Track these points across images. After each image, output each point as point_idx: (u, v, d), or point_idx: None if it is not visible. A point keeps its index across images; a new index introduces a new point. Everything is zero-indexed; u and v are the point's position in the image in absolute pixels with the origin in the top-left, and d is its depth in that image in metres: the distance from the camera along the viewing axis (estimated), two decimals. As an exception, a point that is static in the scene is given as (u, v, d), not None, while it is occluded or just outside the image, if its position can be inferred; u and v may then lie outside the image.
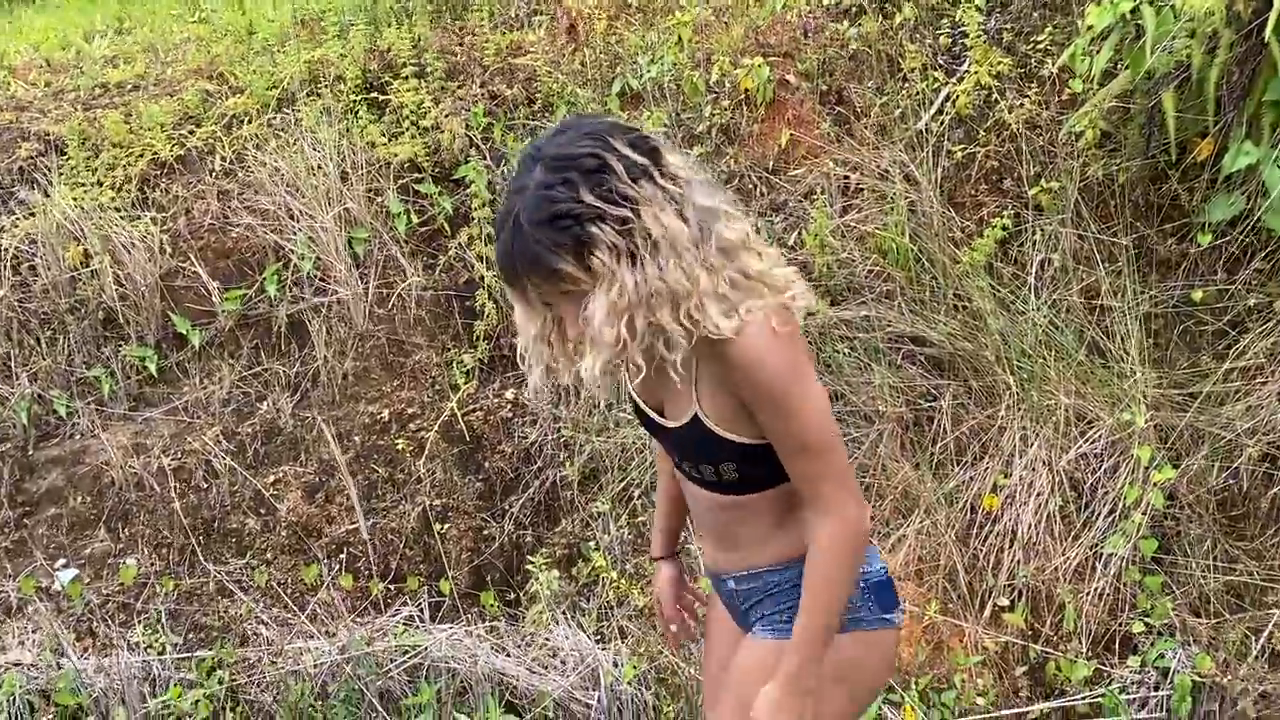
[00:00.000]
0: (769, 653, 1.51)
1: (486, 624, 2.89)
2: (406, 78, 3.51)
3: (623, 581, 2.81)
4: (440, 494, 3.10)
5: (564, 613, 2.85)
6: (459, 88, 3.56)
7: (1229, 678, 2.47)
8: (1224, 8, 2.75)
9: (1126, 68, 3.01)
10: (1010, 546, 2.76)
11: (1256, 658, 2.53)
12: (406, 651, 2.78)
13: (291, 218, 3.34)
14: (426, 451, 3.13)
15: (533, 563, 2.90)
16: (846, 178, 3.26)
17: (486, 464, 3.14)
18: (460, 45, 3.74)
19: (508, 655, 2.77)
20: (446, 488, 3.11)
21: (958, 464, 2.89)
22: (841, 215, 3.19)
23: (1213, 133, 2.92)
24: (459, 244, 3.33)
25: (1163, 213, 3.06)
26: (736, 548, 1.58)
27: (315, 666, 2.78)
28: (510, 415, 3.18)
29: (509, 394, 3.21)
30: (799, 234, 3.18)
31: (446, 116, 3.45)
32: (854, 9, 3.62)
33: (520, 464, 3.13)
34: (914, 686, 2.61)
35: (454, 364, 3.25)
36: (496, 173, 3.38)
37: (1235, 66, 2.87)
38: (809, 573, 1.43)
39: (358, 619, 2.92)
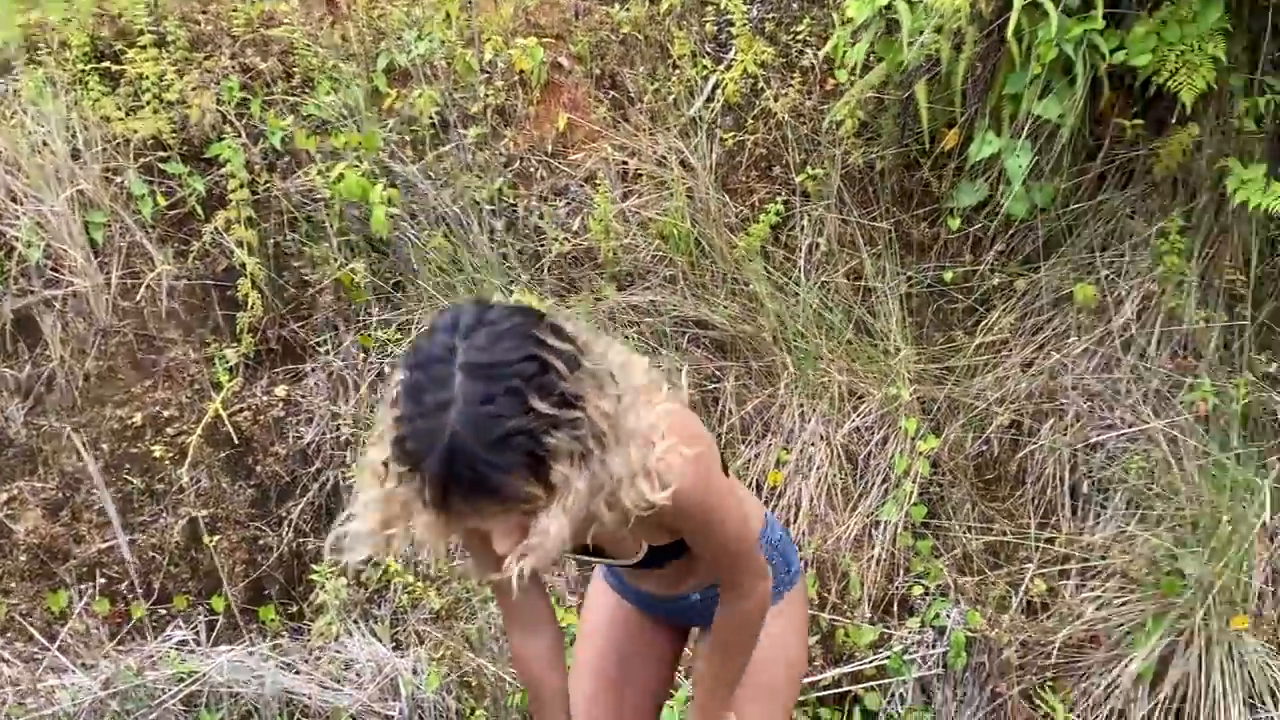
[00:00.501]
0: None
1: (269, 641, 2.70)
2: (144, 47, 3.19)
3: (417, 584, 2.71)
4: (208, 503, 2.86)
5: (355, 622, 2.72)
6: (206, 59, 3.27)
7: (995, 630, 2.70)
8: (969, 6, 2.95)
9: (882, 60, 3.19)
10: (795, 520, 2.87)
11: (1016, 610, 2.78)
12: (182, 679, 2.55)
13: (14, 200, 2.96)
14: (189, 457, 2.88)
15: (317, 571, 2.74)
16: (625, 163, 3.27)
17: (259, 468, 2.93)
18: (204, 13, 3.44)
19: (296, 673, 2.61)
20: (214, 496, 2.87)
21: (743, 442, 2.98)
22: (623, 200, 3.20)
23: (960, 123, 3.15)
24: (215, 229, 3.07)
25: (917, 199, 3.28)
26: (674, 584, 1.64)
27: (75, 704, 2.50)
28: (283, 414, 2.98)
29: (279, 390, 3.00)
30: (582, 219, 3.16)
31: (194, 90, 3.17)
32: (621, -8, 3.63)
33: (297, 466, 2.94)
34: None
35: (215, 360, 3.00)
36: (254, 150, 3.14)
37: (979, 62, 3.10)
38: (729, 639, 1.57)
39: (119, 647, 2.66)
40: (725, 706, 1.61)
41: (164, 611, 2.76)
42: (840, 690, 2.71)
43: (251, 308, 3.01)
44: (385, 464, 1.17)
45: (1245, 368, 3.02)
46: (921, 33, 3.03)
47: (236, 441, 2.93)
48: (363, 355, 3.02)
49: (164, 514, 2.84)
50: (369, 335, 3.03)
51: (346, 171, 3.02)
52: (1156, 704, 2.70)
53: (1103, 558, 2.85)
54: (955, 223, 3.20)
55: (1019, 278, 3.13)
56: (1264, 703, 2.70)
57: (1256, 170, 2.93)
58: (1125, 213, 3.13)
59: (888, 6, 3.04)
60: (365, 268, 3.05)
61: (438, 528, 1.19)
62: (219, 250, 3.09)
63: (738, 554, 1.47)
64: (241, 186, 3.05)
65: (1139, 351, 3.07)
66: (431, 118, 3.24)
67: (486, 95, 3.32)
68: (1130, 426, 2.98)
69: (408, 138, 3.24)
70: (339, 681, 2.58)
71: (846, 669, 2.68)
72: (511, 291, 3.01)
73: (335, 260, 3.04)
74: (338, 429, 2.96)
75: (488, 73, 3.38)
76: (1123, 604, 2.78)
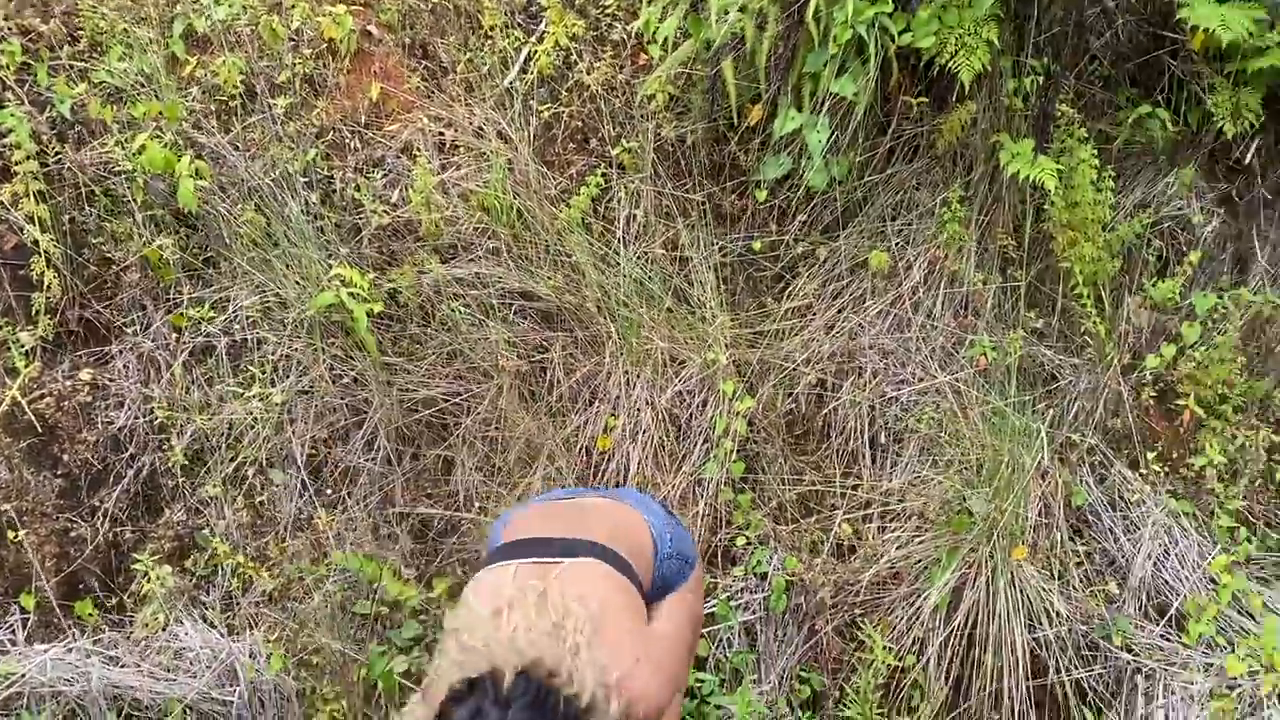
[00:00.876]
0: None
1: (90, 637, 2.59)
2: (-95, 4, 2.93)
3: (249, 565, 2.66)
4: (10, 496, 2.70)
5: (183, 609, 2.64)
6: (-22, 19, 3.03)
7: (810, 573, 2.91)
8: (771, -11, 3.12)
9: (690, 37, 3.32)
10: (625, 481, 3.00)
11: (828, 554, 3.01)
12: (-3, 682, 2.41)
13: None
14: (-14, 449, 2.70)
15: (139, 560, 2.64)
16: (441, 134, 3.27)
17: (66, 457, 2.78)
18: (-28, -32, 3.17)
19: (124, 667, 2.51)
20: (17, 488, 2.72)
21: (573, 410, 3.07)
22: (441, 172, 3.20)
23: (764, 100, 3.32)
24: (2, 203, 2.87)
25: (726, 171, 3.44)
26: None
27: (-125, 719, 2.33)
28: (90, 399, 2.84)
29: (84, 374, 2.85)
30: (401, 191, 3.14)
31: (-33, 53, 2.94)
32: (427, -40, 3.59)
33: (108, 453, 2.81)
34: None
35: (10, 344, 2.82)
36: (41, 119, 2.95)
37: (781, 41, 3.28)
38: None
39: (-81, 655, 2.48)
40: None
41: (-33, 614, 2.60)
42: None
43: (48, 288, 2.84)
44: None
45: (1017, 324, 3.35)
46: (727, 12, 3.18)
47: (39, 430, 2.77)
48: (175, 335, 2.91)
49: (-40, 510, 2.66)
50: (181, 314, 2.92)
51: (148, 143, 2.88)
52: (952, 630, 2.99)
53: (901, 501, 3.12)
54: (762, 194, 3.38)
55: (820, 246, 3.35)
56: (1040, 623, 3.04)
57: (1025, 145, 3.25)
58: (912, 184, 3.40)
59: (696, -14, 3.17)
60: (173, 244, 2.93)
61: None
62: (6, 226, 2.89)
63: None
64: (29, 158, 2.86)
65: (926, 312, 3.35)
66: (237, 86, 3.14)
67: (295, 64, 3.23)
68: (920, 381, 3.26)
69: (213, 107, 3.11)
70: (171, 671, 2.51)
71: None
72: (330, 266, 2.97)
73: (140, 236, 2.91)
74: (151, 412, 2.85)
75: (294, 40, 3.29)
76: (920, 542, 3.06)
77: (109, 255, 2.92)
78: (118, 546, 2.75)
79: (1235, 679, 2.94)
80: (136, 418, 2.83)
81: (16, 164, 2.87)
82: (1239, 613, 3.12)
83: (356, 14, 3.31)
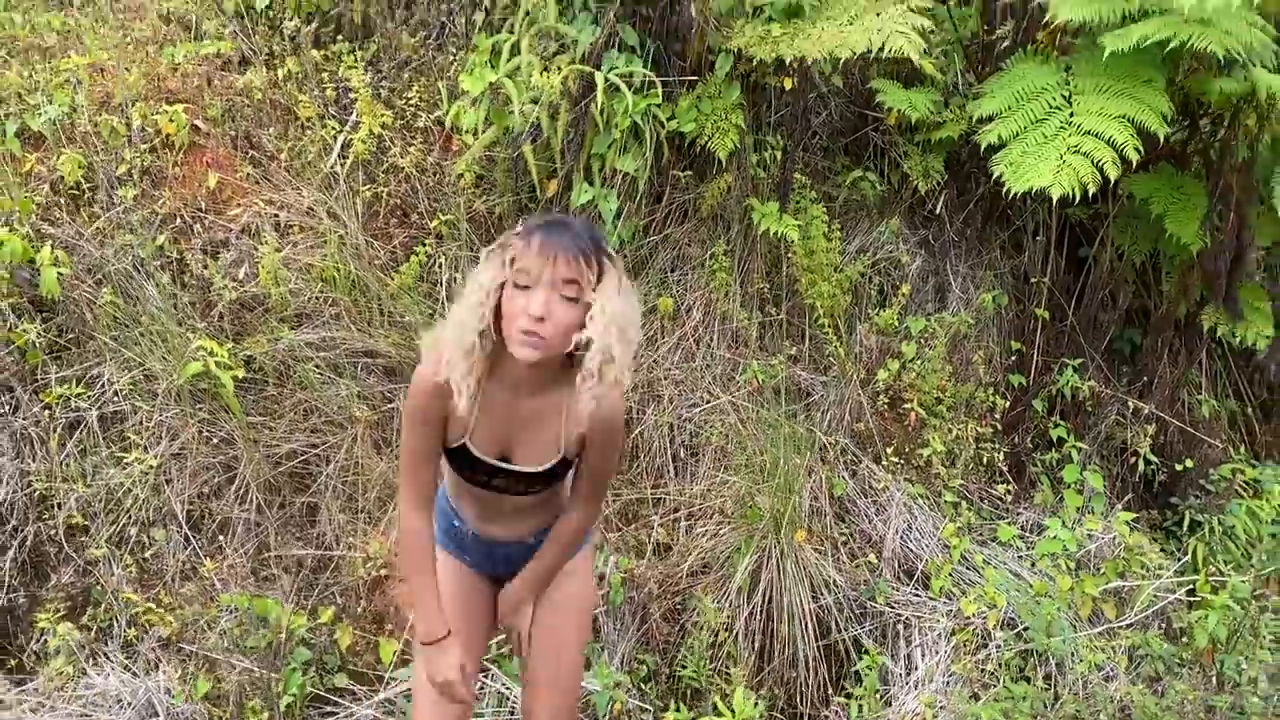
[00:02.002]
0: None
1: (-3, 694, 2.79)
2: None
3: (148, 610, 2.94)
4: (-104, 576, 2.85)
5: (86, 660, 2.88)
6: None
7: (639, 569, 3.51)
8: (560, 85, 3.77)
9: (492, 124, 3.90)
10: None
11: (650, 554, 3.63)
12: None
13: None
14: None
15: (41, 618, 2.87)
16: (276, 215, 3.67)
17: (-50, 533, 2.96)
18: None
19: (46, 717, 2.73)
20: (-97, 568, 2.87)
21: (421, 452, 3.53)
22: (280, 250, 3.60)
23: (560, 175, 3.96)
24: None
25: (530, 237, 4.01)
26: (522, 524, 2.20)
27: None
28: (-34, 478, 3.03)
29: (-42, 456, 3.04)
30: (248, 267, 3.51)
31: None
32: (238, 60, 4.00)
33: (-9, 526, 3.01)
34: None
35: (-123, 434, 2.97)
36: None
37: (571, 127, 3.93)
38: (562, 536, 2.19)
39: None
40: (535, 590, 2.24)
41: None
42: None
43: (-87, 374, 3.02)
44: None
45: (778, 351, 4.13)
46: (523, 104, 3.79)
47: (-80, 511, 2.94)
48: (47, 412, 3.15)
49: None
50: (50, 392, 3.16)
51: (7, 237, 3.13)
52: (754, 606, 3.67)
53: (703, 502, 3.79)
54: (562, 255, 3.99)
55: (616, 296, 3.99)
56: (822, 592, 3.77)
57: (771, 206, 4.06)
58: (685, 242, 4.13)
59: (496, 84, 3.77)
60: (36, 328, 3.17)
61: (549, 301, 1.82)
62: None
63: (606, 482, 2.14)
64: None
65: (706, 345, 4.07)
66: (79, 180, 3.42)
67: (132, 158, 3.54)
68: (708, 402, 3.96)
69: (60, 200, 3.38)
70: (90, 717, 2.75)
71: (536, 618, 3.35)
72: (190, 339, 3.30)
73: (4, 324, 3.13)
74: (29, 485, 3.07)
75: (128, 135, 3.60)
76: (722, 535, 3.73)
77: (-31, 342, 3.13)
78: (12, 611, 2.94)
79: (969, 618, 3.78)
80: (16, 491, 3.04)
81: None
82: (967, 568, 3.98)
83: (185, 110, 3.67)
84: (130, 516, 3.11)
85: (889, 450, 4.06)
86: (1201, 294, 4.36)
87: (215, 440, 3.24)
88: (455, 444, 2.03)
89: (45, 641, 2.85)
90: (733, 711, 2.98)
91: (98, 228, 3.35)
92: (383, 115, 3.96)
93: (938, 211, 4.39)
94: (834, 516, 3.92)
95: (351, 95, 3.97)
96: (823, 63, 3.93)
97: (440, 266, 3.84)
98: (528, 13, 3.84)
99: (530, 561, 2.24)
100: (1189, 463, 4.38)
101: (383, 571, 3.19)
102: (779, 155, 4.16)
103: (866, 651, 3.74)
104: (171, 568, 3.06)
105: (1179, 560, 4.13)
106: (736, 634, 3.65)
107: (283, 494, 3.31)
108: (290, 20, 4.09)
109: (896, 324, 4.26)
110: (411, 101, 4.06)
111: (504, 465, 2.05)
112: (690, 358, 4.01)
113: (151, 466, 3.12)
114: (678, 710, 3.21)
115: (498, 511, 2.18)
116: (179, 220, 3.51)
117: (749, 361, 4.06)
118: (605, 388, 1.88)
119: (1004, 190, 3.75)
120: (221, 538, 3.18)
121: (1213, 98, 3.98)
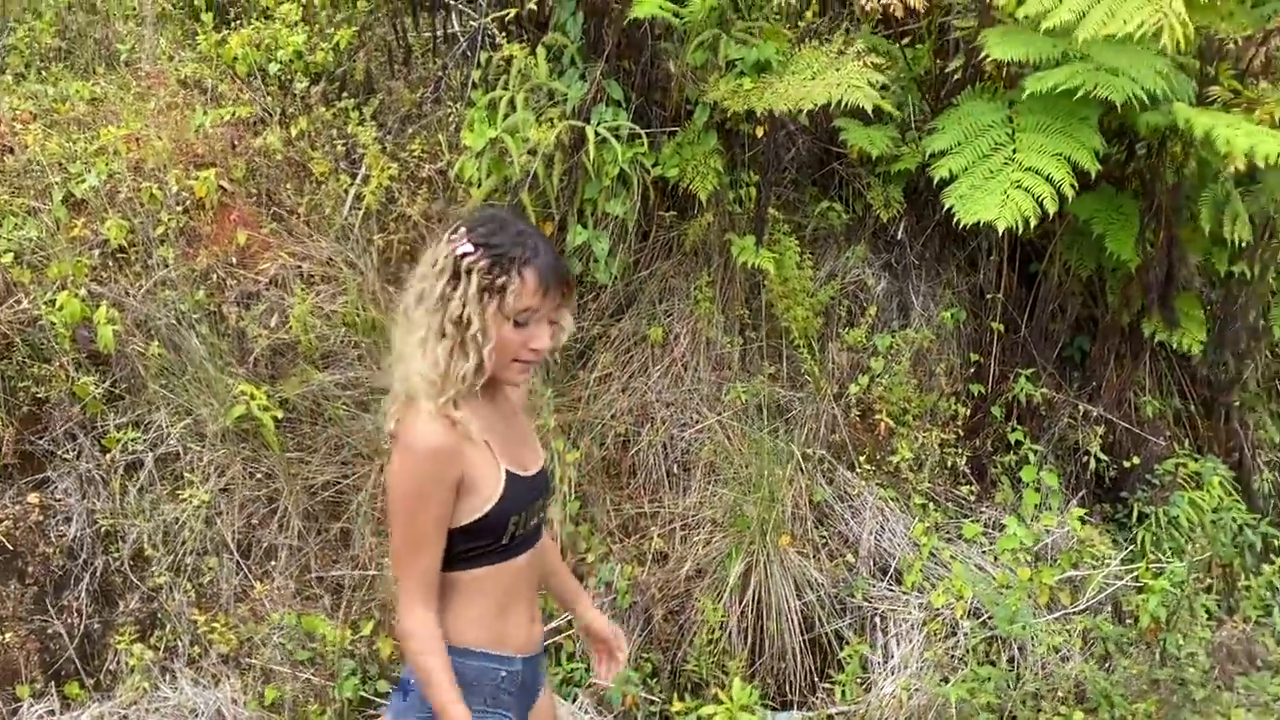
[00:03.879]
0: None
1: (83, 710, 3.20)
2: None
3: (210, 627, 3.36)
4: (-13, 608, 3.25)
5: (159, 677, 3.30)
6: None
7: (643, 577, 3.96)
8: (554, 138, 4.21)
9: (492, 175, 4.33)
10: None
11: (651, 562, 4.07)
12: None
13: None
14: (-42, 572, 3.25)
15: (118, 639, 3.28)
16: (299, 266, 4.09)
17: (30, 568, 3.36)
18: None
19: (125, 728, 3.15)
20: (-7, 600, 3.27)
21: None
22: (306, 299, 4.02)
23: (556, 219, 4.39)
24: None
25: (529, 276, 4.45)
26: (536, 611, 2.09)
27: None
28: (41, 518, 3.43)
29: (32, 498, 3.45)
30: (279, 316, 3.93)
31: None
32: (255, 121, 4.41)
33: (66, 560, 3.41)
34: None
35: (-40, 481, 3.37)
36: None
37: (566, 176, 4.37)
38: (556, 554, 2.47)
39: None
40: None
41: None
42: (548, 643, 3.80)
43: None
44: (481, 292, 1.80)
45: (759, 372, 4.59)
46: (521, 155, 4.23)
47: (5, 548, 3.34)
48: (107, 456, 3.55)
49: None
50: (110, 438, 3.57)
51: (67, 299, 3.53)
52: (745, 605, 4.13)
53: (697, 514, 4.24)
54: (559, 291, 4.43)
55: (611, 327, 4.45)
56: (805, 591, 4.23)
57: (748, 240, 4.51)
58: (671, 275, 4.58)
59: (496, 139, 4.20)
60: (94, 380, 3.57)
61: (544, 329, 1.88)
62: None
63: None
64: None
65: (694, 369, 4.52)
66: (123, 242, 3.82)
67: (169, 220, 3.95)
68: (698, 422, 4.41)
69: (107, 260, 3.78)
70: (166, 726, 3.17)
71: (550, 626, 3.80)
72: (230, 384, 3.71)
73: (66, 377, 3.53)
74: (95, 522, 3.48)
75: (164, 200, 4.00)
76: (714, 543, 4.18)
77: (37, 395, 3.53)
78: (88, 635, 3.35)
79: (939, 609, 4.25)
80: (84, 528, 3.45)
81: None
82: (936, 564, 4.45)
83: (214, 173, 4.08)
84: (187, 546, 3.52)
85: (861, 458, 4.52)
86: (1141, 304, 4.86)
87: (259, 475, 3.66)
88: (488, 504, 1.86)
89: (120, 661, 3.26)
90: (731, 699, 3.44)
91: (143, 285, 3.75)
92: (389, 168, 4.37)
93: (899, 237, 4.86)
94: (814, 521, 4.38)
95: (360, 150, 4.39)
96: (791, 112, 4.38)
97: (449, 306, 4.26)
98: (520, 70, 4.27)
99: (569, 593, 2.38)
100: (1136, 460, 4.88)
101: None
102: (754, 192, 4.61)
103: (847, 643, 4.20)
104: (226, 591, 3.48)
105: (1127, 549, 4.62)
106: (730, 631, 4.10)
107: (319, 520, 3.73)
108: (300, 82, 4.50)
109: (865, 341, 4.73)
110: (415, 153, 4.48)
111: (532, 474, 1.96)
112: (679, 381, 4.46)
113: (204, 501, 3.53)
114: (682, 700, 3.66)
115: (525, 588, 2.01)
116: (214, 276, 3.91)
117: (733, 383, 4.51)
118: None
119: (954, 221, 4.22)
120: (269, 562, 3.59)
121: (1141, 129, 4.47)
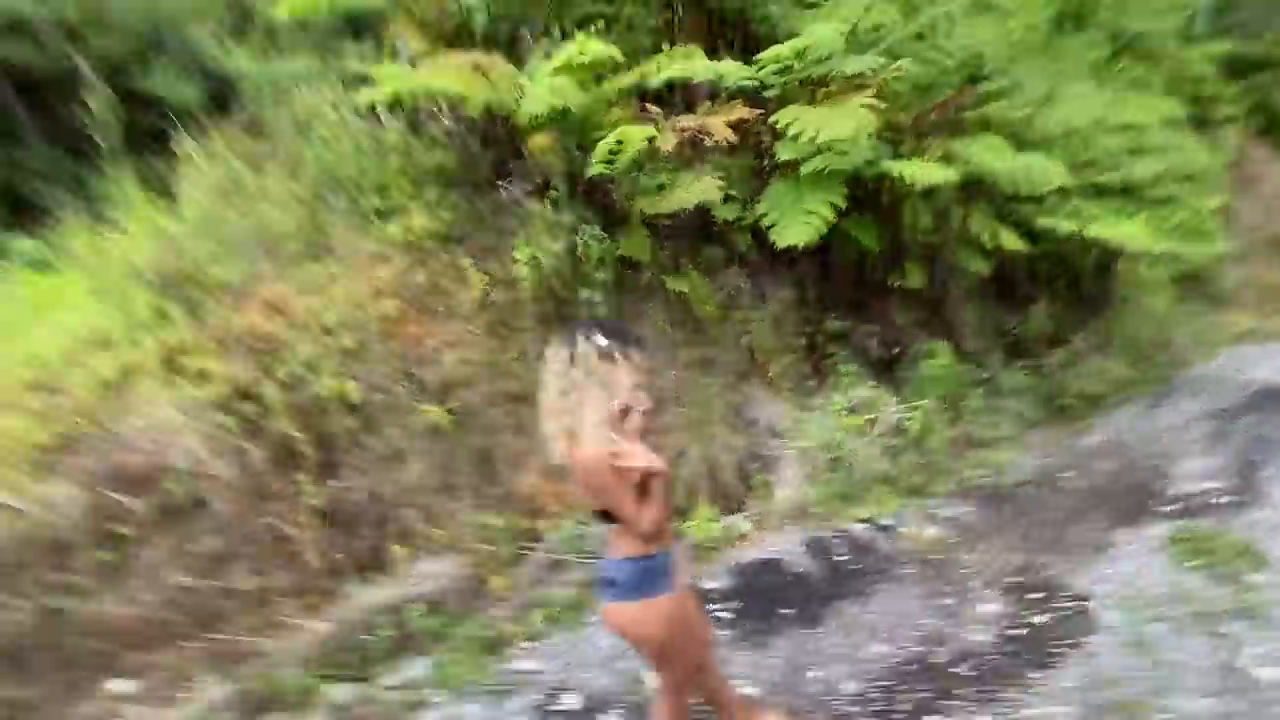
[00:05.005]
0: None
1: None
2: None
3: None
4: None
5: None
6: None
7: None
8: (562, 250, 8.11)
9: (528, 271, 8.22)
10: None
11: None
12: None
13: None
14: None
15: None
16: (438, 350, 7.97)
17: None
18: None
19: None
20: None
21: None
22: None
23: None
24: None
25: (562, 318, 8.41)
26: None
27: None
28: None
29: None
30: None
31: None
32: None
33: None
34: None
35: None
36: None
37: (571, 263, 8.28)
38: None
39: None
40: None
41: None
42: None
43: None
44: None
45: (692, 344, 8.56)
46: (547, 258, 8.09)
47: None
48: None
49: None
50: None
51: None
52: (702, 460, 8.12)
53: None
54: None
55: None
56: (735, 451, 8.24)
57: (673, 276, 8.46)
58: (635, 303, 8.53)
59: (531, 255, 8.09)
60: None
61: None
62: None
63: None
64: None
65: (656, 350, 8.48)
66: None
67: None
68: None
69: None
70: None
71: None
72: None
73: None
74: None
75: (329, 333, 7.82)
76: (681, 437, 8.18)
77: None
78: None
79: (804, 449, 8.33)
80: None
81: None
82: (798, 425, 8.54)
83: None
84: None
85: (755, 379, 8.54)
86: (886, 268, 8.97)
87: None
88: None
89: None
90: (700, 515, 7.42)
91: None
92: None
93: (752, 259, 8.87)
94: (734, 414, 8.40)
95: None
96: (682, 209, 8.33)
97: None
98: (538, 214, 8.14)
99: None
100: (898, 349, 9.00)
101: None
102: (673, 253, 8.57)
103: (759, 474, 8.23)
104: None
105: (901, 396, 8.75)
106: (698, 476, 8.11)
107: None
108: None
109: (745, 317, 8.73)
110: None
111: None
112: (651, 355, 8.40)
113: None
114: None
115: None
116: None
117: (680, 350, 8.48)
118: None
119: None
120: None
121: (869, 177, 8.54)
